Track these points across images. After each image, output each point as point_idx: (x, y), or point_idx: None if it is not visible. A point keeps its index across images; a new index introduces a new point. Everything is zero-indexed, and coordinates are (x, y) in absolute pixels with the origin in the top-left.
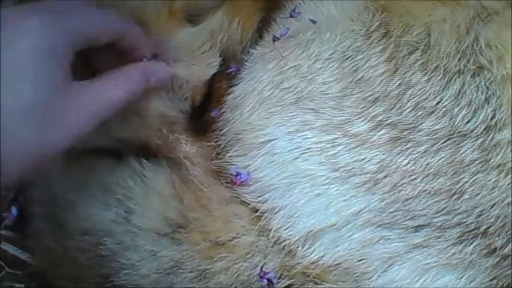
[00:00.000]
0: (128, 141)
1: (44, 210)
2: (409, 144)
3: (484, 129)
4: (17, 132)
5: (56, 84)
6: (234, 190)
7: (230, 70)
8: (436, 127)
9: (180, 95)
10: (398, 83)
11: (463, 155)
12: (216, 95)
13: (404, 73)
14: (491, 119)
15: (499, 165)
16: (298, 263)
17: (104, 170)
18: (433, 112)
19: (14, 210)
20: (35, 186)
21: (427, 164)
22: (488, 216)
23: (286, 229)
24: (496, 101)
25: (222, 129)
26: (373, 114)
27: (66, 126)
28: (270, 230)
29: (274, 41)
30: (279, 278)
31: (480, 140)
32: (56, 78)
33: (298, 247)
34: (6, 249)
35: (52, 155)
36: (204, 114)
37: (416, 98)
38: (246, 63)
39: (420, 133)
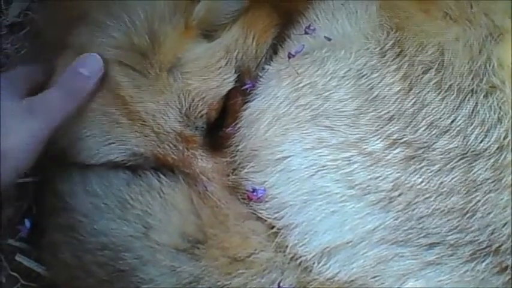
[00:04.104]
0: (144, 156)
1: (60, 223)
2: (423, 163)
3: (497, 148)
4: None
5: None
6: (251, 206)
7: (246, 86)
8: (450, 146)
9: (196, 112)
10: (413, 101)
11: (475, 174)
12: (232, 111)
13: (418, 92)
14: (504, 138)
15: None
16: (314, 279)
17: (121, 184)
18: (447, 131)
19: (27, 223)
20: (49, 197)
21: (441, 183)
22: (500, 234)
23: (302, 246)
24: (508, 121)
25: (238, 145)
26: (388, 132)
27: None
28: (287, 246)
29: (289, 57)
30: None
31: (493, 160)
32: None
33: (314, 264)
34: (21, 261)
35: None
36: (219, 130)
37: (430, 117)
38: (261, 80)
39: (434, 152)
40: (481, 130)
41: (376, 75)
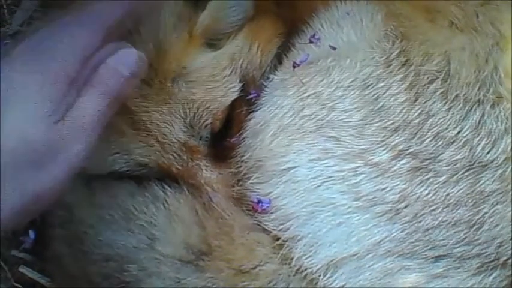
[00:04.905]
0: (149, 166)
1: (64, 234)
2: (430, 174)
3: (504, 160)
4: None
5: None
6: (256, 217)
7: (250, 96)
8: (456, 157)
9: (200, 122)
10: (418, 112)
11: (482, 186)
12: (236, 121)
13: (424, 102)
14: (511, 149)
15: None
16: None
17: (126, 195)
18: (453, 142)
19: (31, 234)
20: (53, 208)
21: (447, 195)
22: (507, 247)
23: (308, 258)
24: None
25: (242, 156)
26: (394, 143)
27: (63, 157)
28: (292, 258)
29: (294, 67)
30: None
31: (500, 171)
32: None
33: (320, 276)
34: (25, 273)
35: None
36: (224, 140)
37: (436, 128)
38: (265, 89)
39: (440, 163)
40: (487, 141)
41: (381, 85)
